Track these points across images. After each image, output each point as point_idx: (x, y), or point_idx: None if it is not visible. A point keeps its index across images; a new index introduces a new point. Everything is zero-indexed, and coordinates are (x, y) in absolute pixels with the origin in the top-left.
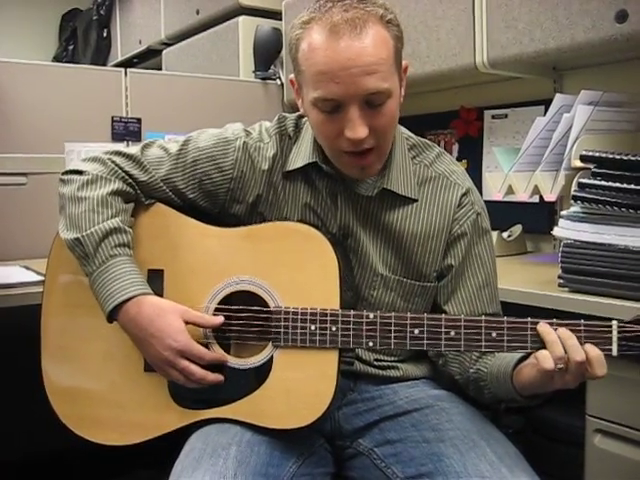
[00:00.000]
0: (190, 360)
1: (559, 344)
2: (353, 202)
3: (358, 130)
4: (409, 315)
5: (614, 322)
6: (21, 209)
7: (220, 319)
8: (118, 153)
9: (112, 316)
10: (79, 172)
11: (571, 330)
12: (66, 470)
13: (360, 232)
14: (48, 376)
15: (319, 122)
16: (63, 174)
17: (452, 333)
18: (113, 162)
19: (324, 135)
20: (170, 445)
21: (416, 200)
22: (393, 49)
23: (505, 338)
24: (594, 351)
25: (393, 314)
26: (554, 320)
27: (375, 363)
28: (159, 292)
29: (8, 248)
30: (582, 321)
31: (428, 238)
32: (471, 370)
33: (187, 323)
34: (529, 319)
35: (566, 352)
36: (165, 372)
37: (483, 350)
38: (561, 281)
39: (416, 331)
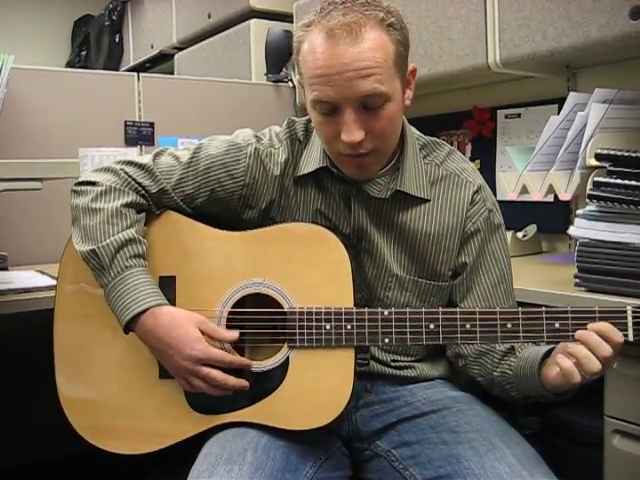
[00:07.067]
0: (211, 366)
1: (593, 359)
2: (366, 204)
3: (353, 133)
4: (424, 310)
5: (628, 307)
6: (36, 214)
7: (235, 334)
8: (130, 163)
9: (129, 328)
10: (92, 183)
11: (586, 317)
12: (82, 474)
13: (374, 234)
14: (61, 386)
15: (318, 123)
16: (75, 185)
17: (468, 326)
18: (125, 173)
19: (323, 136)
20: (187, 448)
21: (428, 200)
22: (393, 52)
23: (521, 329)
24: (603, 325)
25: (408, 310)
26: (568, 308)
27: (392, 364)
28: (171, 299)
29: (23, 253)
30: (597, 307)
31: (442, 237)
32: (495, 373)
33: (203, 333)
34: (544, 309)
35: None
36: (186, 381)
37: (499, 342)
38: (577, 281)
39: (431, 326)
